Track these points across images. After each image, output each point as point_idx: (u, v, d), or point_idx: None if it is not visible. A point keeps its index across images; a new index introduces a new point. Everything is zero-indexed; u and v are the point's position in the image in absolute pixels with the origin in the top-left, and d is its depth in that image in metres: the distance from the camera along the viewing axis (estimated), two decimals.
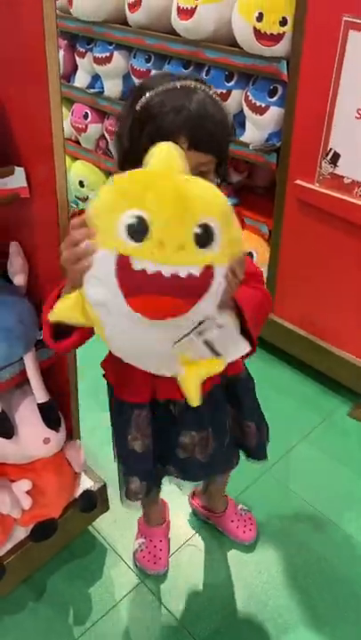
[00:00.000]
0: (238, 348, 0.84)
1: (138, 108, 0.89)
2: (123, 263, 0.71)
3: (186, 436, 1.12)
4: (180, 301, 0.72)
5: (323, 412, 1.91)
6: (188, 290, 0.72)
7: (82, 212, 0.82)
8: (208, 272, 0.72)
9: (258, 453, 1.27)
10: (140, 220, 0.69)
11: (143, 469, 1.18)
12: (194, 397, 0.82)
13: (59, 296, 0.82)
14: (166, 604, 1.39)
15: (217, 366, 0.82)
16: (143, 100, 0.88)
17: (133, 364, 0.85)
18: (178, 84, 0.88)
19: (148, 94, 0.88)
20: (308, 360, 2.00)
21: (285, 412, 1.90)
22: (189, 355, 0.80)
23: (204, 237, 0.71)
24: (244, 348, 0.84)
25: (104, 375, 1.14)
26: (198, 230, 0.70)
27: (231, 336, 0.82)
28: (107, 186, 0.74)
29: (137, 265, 0.70)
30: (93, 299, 0.75)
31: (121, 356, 0.84)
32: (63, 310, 0.79)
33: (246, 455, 1.29)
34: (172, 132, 0.85)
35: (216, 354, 0.81)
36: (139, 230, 0.69)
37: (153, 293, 0.71)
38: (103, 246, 0.72)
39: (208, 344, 0.79)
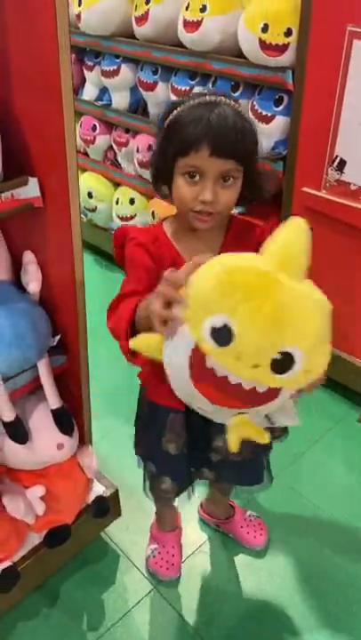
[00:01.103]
0: (289, 420, 0.85)
1: (166, 125, 0.95)
2: (197, 356, 0.73)
3: (219, 440, 1.13)
4: (240, 403, 0.75)
5: (333, 418, 1.91)
6: (249, 398, 0.74)
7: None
8: (273, 392, 0.74)
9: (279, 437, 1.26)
10: (227, 330, 0.69)
11: (175, 470, 1.20)
12: (233, 447, 0.84)
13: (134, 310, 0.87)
14: (179, 610, 1.39)
15: (262, 438, 0.84)
16: (171, 116, 0.94)
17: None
18: (203, 99, 0.92)
19: (175, 111, 0.93)
20: None
21: None
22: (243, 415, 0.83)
23: (282, 365, 0.70)
24: (295, 422, 0.85)
25: (139, 376, 1.16)
26: (278, 357, 0.69)
27: (288, 413, 0.84)
28: (213, 270, 0.72)
29: (209, 363, 0.72)
30: (166, 361, 0.79)
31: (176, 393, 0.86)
32: (145, 346, 0.82)
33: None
34: (194, 140, 0.89)
35: (271, 423, 0.83)
36: (222, 338, 0.69)
37: (218, 390, 0.74)
38: (188, 327, 0.73)
39: (266, 416, 0.83)
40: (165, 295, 0.74)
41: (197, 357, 0.73)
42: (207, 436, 1.13)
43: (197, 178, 0.91)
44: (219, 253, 1.00)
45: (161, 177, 0.98)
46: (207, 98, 0.92)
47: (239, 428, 0.83)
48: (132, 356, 0.89)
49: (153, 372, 1.08)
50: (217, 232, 1.02)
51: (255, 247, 1.00)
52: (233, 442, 0.83)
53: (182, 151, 0.90)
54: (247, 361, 0.70)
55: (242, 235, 1.03)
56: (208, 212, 0.94)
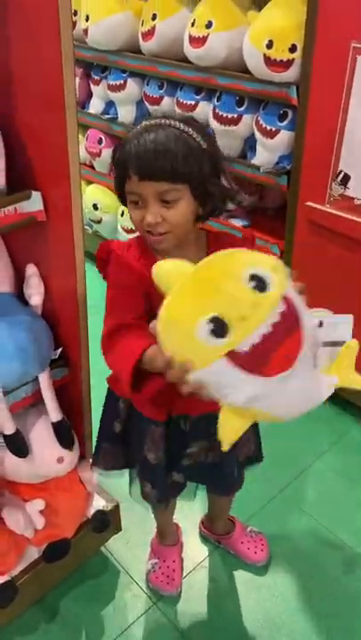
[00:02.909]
0: (346, 323, 0.89)
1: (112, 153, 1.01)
2: (234, 359, 0.74)
3: (194, 446, 1.14)
4: (294, 336, 0.76)
5: (337, 433, 1.90)
6: (288, 325, 0.76)
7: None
8: (286, 303, 0.76)
9: (256, 458, 1.30)
10: (217, 321, 0.73)
11: (155, 479, 1.20)
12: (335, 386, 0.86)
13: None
14: (179, 626, 1.37)
15: (352, 350, 0.88)
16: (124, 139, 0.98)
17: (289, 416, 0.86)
18: (147, 123, 0.95)
19: (129, 134, 0.97)
20: None
21: (299, 433, 1.89)
22: (328, 363, 0.86)
23: (261, 283, 0.74)
24: (348, 319, 0.89)
25: (110, 388, 1.17)
26: (253, 284, 0.74)
27: (334, 322, 0.87)
28: (163, 317, 0.78)
29: (242, 348, 0.74)
30: (243, 401, 0.77)
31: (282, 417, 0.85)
32: (232, 428, 0.83)
33: (247, 463, 1.30)
34: (124, 168, 0.94)
35: (340, 344, 0.86)
36: (220, 329, 0.73)
37: (274, 351, 0.75)
38: (204, 364, 0.75)
39: (329, 344, 0.85)
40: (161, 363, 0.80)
41: (240, 362, 0.74)
42: (184, 444, 1.14)
43: (140, 203, 0.95)
44: None
45: (122, 202, 1.02)
46: (152, 121, 0.95)
47: (344, 376, 0.87)
48: (137, 391, 0.92)
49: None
50: (196, 248, 1.04)
51: None
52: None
53: (120, 179, 0.96)
54: (247, 312, 0.73)
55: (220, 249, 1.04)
56: (159, 232, 0.96)
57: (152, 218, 0.94)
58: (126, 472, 1.29)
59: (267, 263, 0.77)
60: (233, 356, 0.74)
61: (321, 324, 0.84)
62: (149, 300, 0.98)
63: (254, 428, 1.26)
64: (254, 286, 0.73)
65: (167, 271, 0.80)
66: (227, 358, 0.74)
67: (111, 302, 1.01)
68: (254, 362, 0.74)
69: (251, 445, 1.27)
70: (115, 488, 1.46)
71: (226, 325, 0.73)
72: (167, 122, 0.94)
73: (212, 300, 0.74)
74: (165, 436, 1.13)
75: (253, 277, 0.74)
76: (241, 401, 0.77)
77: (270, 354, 0.75)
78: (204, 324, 0.73)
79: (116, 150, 0.99)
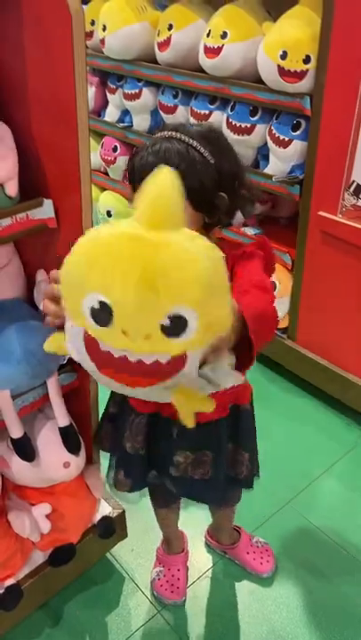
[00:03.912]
0: (231, 378, 0.77)
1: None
2: (90, 341, 0.68)
3: (180, 455, 1.13)
4: (150, 380, 0.70)
5: (346, 445, 1.88)
6: (156, 373, 0.69)
7: None
8: (178, 359, 0.67)
9: (246, 482, 1.25)
10: (104, 306, 0.63)
11: (129, 468, 1.21)
12: (189, 423, 0.76)
13: None
14: (183, 635, 1.37)
15: (208, 406, 0.76)
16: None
17: None
18: (162, 134, 0.96)
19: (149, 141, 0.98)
20: (331, 391, 1.98)
21: (308, 444, 1.88)
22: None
23: (174, 329, 0.64)
24: (236, 380, 0.77)
25: None
26: (167, 322, 0.63)
27: (225, 371, 0.76)
28: (81, 246, 0.67)
29: (103, 346, 0.68)
30: (72, 356, 0.74)
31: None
32: (56, 346, 0.80)
33: (244, 484, 1.27)
34: (130, 177, 0.98)
35: (215, 386, 0.75)
36: (102, 317, 0.64)
37: (122, 372, 0.69)
38: (72, 319, 0.70)
39: (202, 376, 0.74)
40: (46, 292, 0.80)
41: (90, 343, 0.68)
42: (169, 448, 1.13)
43: None
44: None
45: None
46: (161, 134, 0.96)
47: (181, 404, 0.76)
48: None
49: None
50: None
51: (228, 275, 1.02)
52: (185, 418, 0.76)
53: (133, 187, 0.99)
54: (135, 335, 0.64)
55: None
56: None
57: None
58: None
59: (195, 298, 0.64)
60: (89, 338, 0.68)
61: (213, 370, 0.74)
62: None
63: (251, 450, 1.22)
64: (165, 326, 0.63)
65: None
66: (84, 334, 0.68)
67: None
68: (100, 359, 0.69)
69: (248, 465, 1.21)
70: (122, 494, 1.46)
71: (109, 318, 0.63)
72: (176, 135, 0.94)
73: (116, 291, 0.62)
74: (148, 431, 1.14)
75: (174, 319, 0.64)
76: (69, 352, 0.74)
77: (114, 370, 0.69)
78: (94, 300, 0.64)
79: (130, 158, 1.01)
